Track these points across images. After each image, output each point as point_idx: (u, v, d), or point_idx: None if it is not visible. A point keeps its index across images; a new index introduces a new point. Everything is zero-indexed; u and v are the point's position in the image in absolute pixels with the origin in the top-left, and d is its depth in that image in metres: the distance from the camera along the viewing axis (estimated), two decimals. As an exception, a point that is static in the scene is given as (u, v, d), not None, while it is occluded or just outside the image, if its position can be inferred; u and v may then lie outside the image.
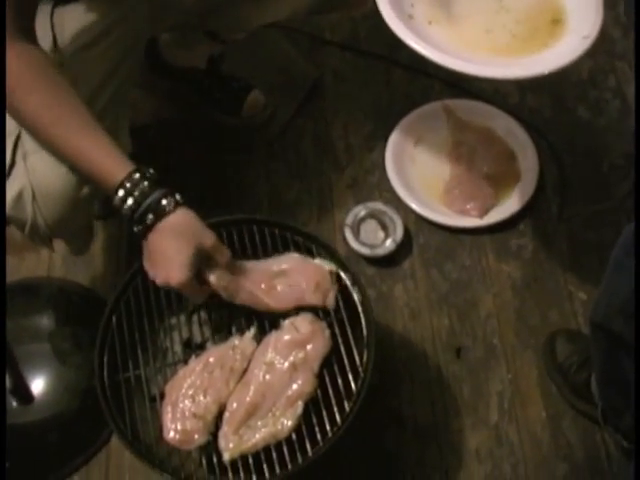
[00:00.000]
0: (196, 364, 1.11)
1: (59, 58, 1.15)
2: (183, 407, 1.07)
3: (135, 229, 1.05)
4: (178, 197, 1.05)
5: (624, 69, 1.84)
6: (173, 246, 1.03)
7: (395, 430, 1.41)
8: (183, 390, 1.08)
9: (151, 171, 1.05)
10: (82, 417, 1.40)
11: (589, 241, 1.59)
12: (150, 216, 1.03)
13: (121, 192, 1.02)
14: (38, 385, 1.40)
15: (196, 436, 1.06)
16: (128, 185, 1.02)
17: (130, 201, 1.02)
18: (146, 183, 1.02)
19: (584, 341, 1.41)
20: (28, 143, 1.11)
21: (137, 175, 1.02)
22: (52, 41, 1.16)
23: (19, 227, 1.19)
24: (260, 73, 1.81)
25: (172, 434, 1.06)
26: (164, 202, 1.03)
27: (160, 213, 1.03)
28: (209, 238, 1.06)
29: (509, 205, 1.62)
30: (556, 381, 1.43)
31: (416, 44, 1.18)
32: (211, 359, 1.11)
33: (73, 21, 1.17)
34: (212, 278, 1.08)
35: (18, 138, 1.12)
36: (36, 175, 1.11)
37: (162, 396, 1.10)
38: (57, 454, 1.41)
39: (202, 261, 1.06)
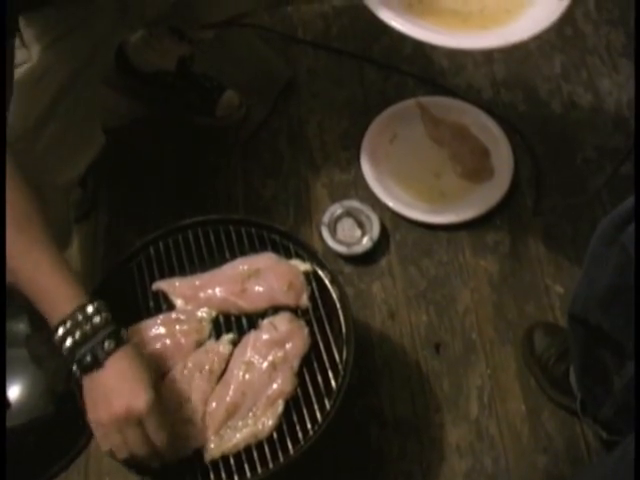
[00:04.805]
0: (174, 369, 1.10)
1: (27, 54, 1.14)
2: (162, 409, 1.06)
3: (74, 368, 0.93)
4: (123, 332, 0.95)
5: (595, 63, 1.85)
6: (128, 374, 0.93)
7: (376, 426, 1.41)
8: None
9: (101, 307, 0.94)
10: (59, 422, 1.38)
11: (565, 234, 1.60)
12: (88, 358, 0.92)
13: (61, 330, 0.91)
14: (14, 391, 1.38)
15: (176, 438, 1.05)
16: (69, 324, 0.91)
17: (69, 342, 0.92)
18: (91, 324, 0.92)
19: (561, 333, 1.42)
20: None
21: (80, 316, 0.91)
22: (20, 38, 1.14)
23: None
24: (233, 73, 1.80)
25: (152, 437, 1.05)
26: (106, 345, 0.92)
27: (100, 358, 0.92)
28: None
29: (485, 200, 1.62)
30: (535, 374, 1.43)
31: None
32: (189, 364, 1.09)
33: (39, 19, 1.15)
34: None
35: None
36: None
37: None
38: (35, 460, 1.39)
39: None
